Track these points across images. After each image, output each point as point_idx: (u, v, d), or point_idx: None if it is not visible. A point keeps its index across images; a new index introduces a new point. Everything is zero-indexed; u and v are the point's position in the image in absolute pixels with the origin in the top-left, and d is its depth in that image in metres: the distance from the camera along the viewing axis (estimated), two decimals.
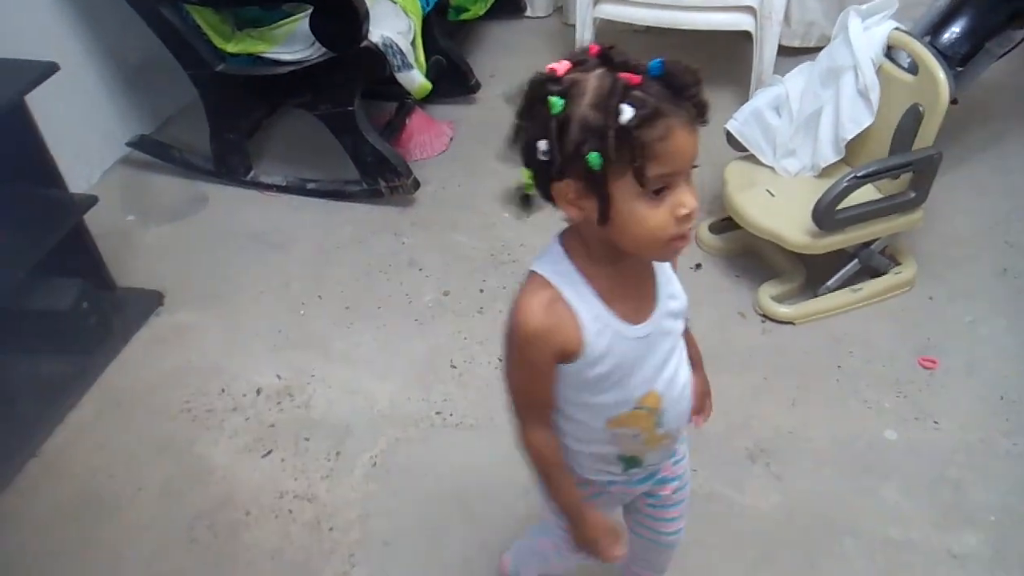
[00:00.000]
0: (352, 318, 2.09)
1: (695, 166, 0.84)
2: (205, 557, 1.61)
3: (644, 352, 0.96)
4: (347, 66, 2.22)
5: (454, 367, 1.95)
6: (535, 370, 0.95)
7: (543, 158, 0.83)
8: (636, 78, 0.80)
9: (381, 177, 2.38)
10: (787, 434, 1.76)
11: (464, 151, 2.63)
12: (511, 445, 1.75)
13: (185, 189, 2.53)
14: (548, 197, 0.89)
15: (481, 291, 2.14)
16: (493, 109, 2.80)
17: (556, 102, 0.81)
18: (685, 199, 0.83)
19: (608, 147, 0.79)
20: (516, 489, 1.69)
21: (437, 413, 1.85)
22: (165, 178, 2.57)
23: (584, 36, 2.72)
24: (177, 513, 1.69)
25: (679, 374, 1.03)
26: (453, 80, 2.79)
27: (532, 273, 0.94)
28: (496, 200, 2.42)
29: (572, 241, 0.94)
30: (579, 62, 0.84)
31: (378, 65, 2.22)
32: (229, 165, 2.51)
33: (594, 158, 0.79)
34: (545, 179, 0.86)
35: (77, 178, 2.08)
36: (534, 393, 0.98)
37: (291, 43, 2.25)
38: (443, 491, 1.70)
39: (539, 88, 0.83)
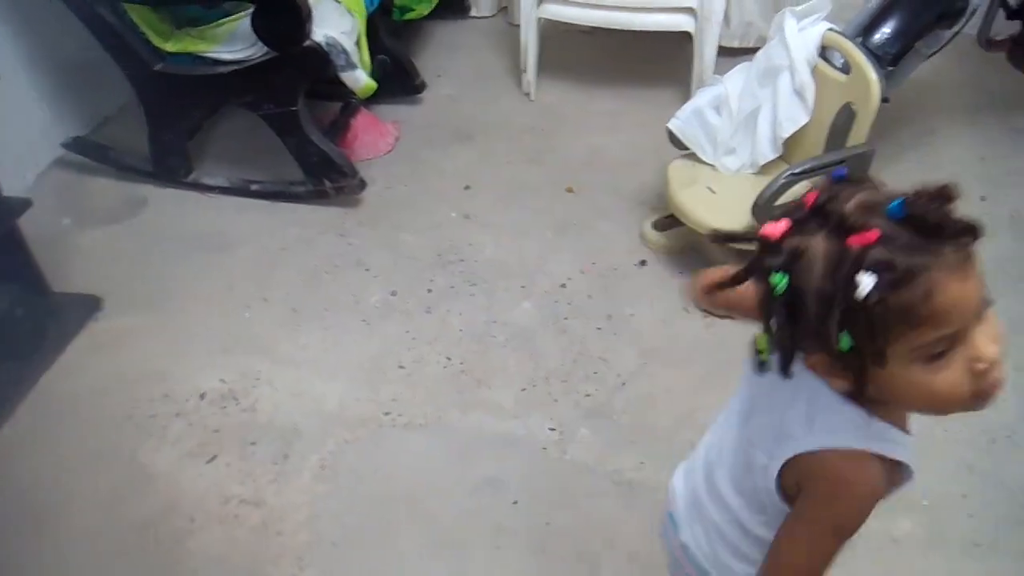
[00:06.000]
0: (298, 320, 2.07)
1: (988, 304, 0.70)
2: (149, 566, 1.58)
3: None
4: (290, 66, 2.19)
5: (402, 367, 1.94)
6: (848, 535, 0.81)
7: (774, 333, 0.73)
8: (871, 235, 0.66)
9: (326, 177, 2.36)
10: None
11: (410, 151, 2.62)
12: (461, 443, 1.77)
13: (123, 191, 2.47)
14: (783, 367, 0.76)
15: (429, 291, 2.14)
16: (439, 109, 2.80)
17: (779, 281, 0.69)
18: (982, 350, 0.69)
19: (857, 325, 0.66)
20: (466, 487, 1.70)
21: (386, 414, 1.84)
22: (102, 180, 2.50)
23: (528, 36, 2.73)
24: (119, 522, 1.65)
25: None
26: (398, 80, 2.78)
27: (835, 453, 0.78)
28: (442, 200, 2.42)
29: (864, 397, 0.77)
30: (798, 221, 0.71)
31: (322, 65, 2.20)
32: (169, 167, 2.46)
33: (844, 341, 0.67)
34: (788, 351, 0.74)
35: (10, 181, 2.02)
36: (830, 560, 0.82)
37: (232, 42, 2.22)
38: (393, 491, 1.70)
39: (757, 261, 0.72)
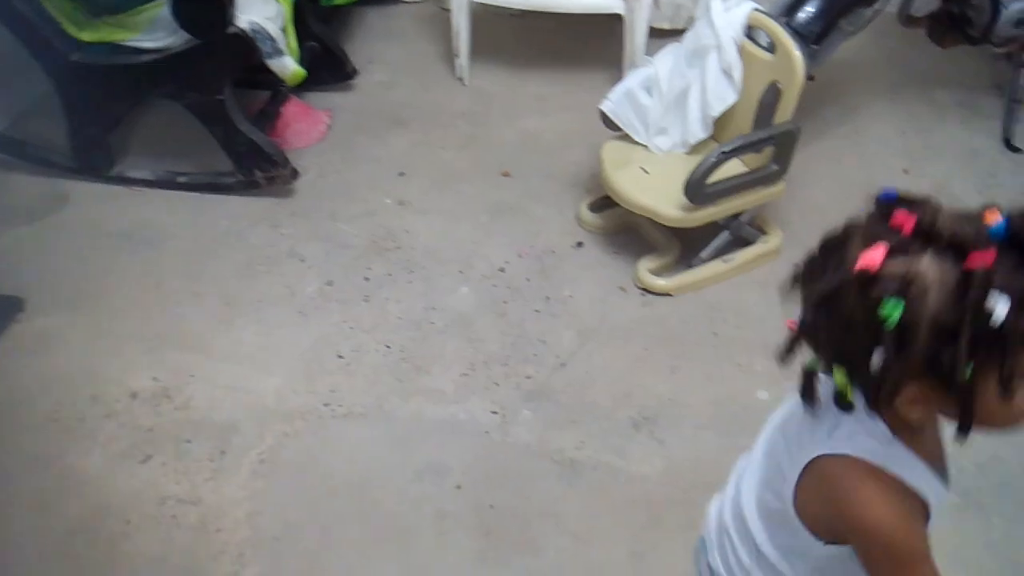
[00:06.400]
0: (232, 314, 2.02)
1: None
2: (83, 569, 1.54)
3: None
4: (214, 53, 2.14)
5: (341, 357, 1.92)
6: (924, 554, 0.79)
7: (877, 368, 0.68)
8: (990, 255, 0.63)
9: (256, 167, 2.30)
10: (668, 401, 1.83)
11: (342, 139, 2.58)
12: (403, 431, 1.76)
13: (43, 188, 2.37)
14: (875, 401, 0.73)
15: (366, 279, 2.11)
16: (371, 96, 2.77)
17: (892, 311, 0.64)
18: None
19: (980, 351, 0.64)
20: (408, 474, 1.69)
21: (325, 404, 1.82)
22: (21, 177, 2.40)
23: (460, 21, 2.71)
24: (50, 527, 1.60)
25: None
26: (329, 67, 2.73)
27: (850, 459, 0.77)
28: (377, 187, 2.40)
29: (892, 414, 0.75)
30: (897, 246, 0.67)
31: (247, 52, 2.15)
32: (91, 161, 2.37)
33: (966, 370, 0.65)
34: (877, 387, 0.70)
35: None
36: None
37: (152, 30, 2.15)
38: (335, 482, 1.68)
39: (858, 294, 0.67)
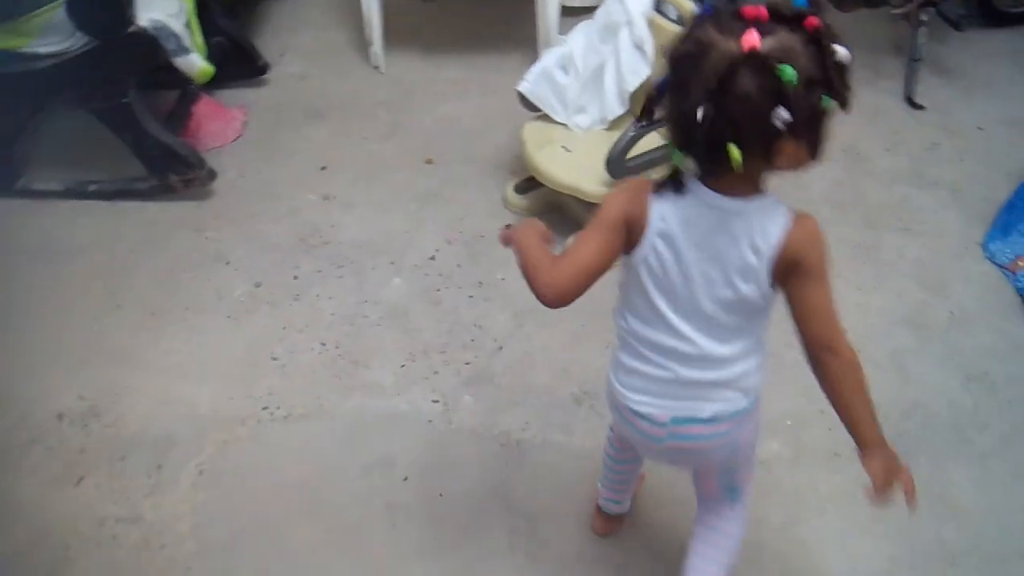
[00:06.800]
0: (158, 324, 1.97)
1: None
2: None
3: None
4: (115, 54, 2.06)
5: (275, 359, 1.89)
6: None
7: (780, 125, 0.88)
8: (816, 19, 0.88)
9: (171, 171, 2.23)
10: (606, 374, 1.85)
11: (260, 136, 2.53)
12: (346, 428, 1.74)
13: None
14: (771, 161, 0.94)
15: (295, 278, 2.08)
16: (286, 89, 2.71)
17: (790, 73, 0.86)
18: None
19: (836, 87, 0.90)
20: (355, 470, 1.68)
21: (264, 408, 1.79)
22: None
23: (371, 8, 2.67)
24: None
25: None
26: (239, 62, 2.66)
27: (793, 210, 1.03)
28: (300, 183, 2.35)
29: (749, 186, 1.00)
30: (763, 29, 0.87)
31: (150, 51, 2.08)
32: None
33: (828, 102, 0.90)
34: (766, 145, 0.92)
35: None
36: None
37: (49, 34, 2.05)
38: (280, 485, 1.66)
39: (751, 71, 0.87)
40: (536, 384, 1.85)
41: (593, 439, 1.73)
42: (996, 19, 2.87)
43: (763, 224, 1.00)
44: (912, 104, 2.62)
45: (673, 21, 2.02)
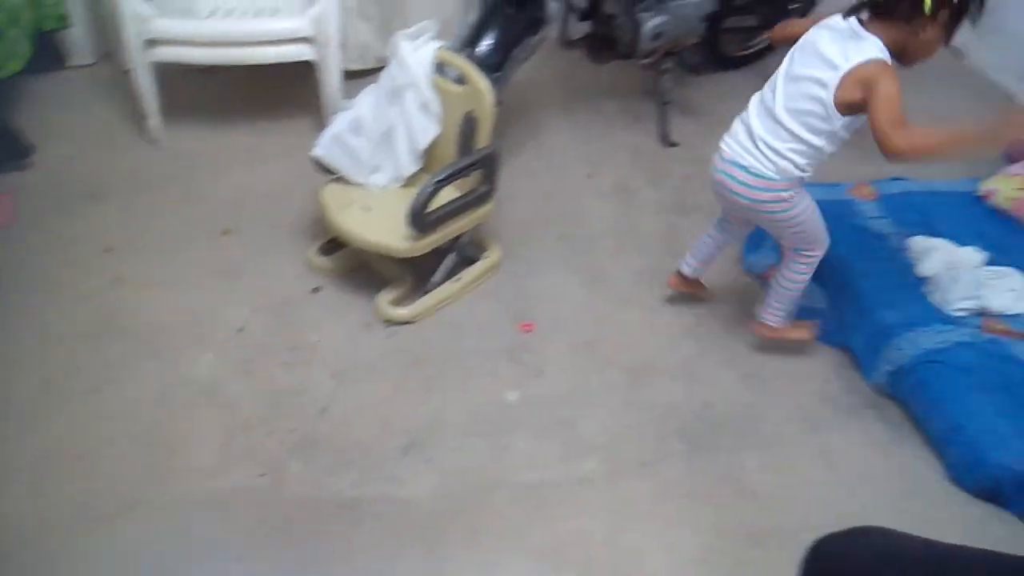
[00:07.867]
0: None
1: None
2: None
3: None
4: None
5: (80, 459, 1.76)
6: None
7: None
8: None
9: None
10: (429, 421, 1.92)
11: (33, 222, 2.36)
12: (170, 518, 1.66)
13: None
14: (917, 28, 1.59)
15: (92, 370, 1.96)
16: (56, 172, 2.56)
17: None
18: None
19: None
20: (188, 563, 1.61)
21: (70, 518, 1.66)
22: None
23: (143, 81, 2.59)
24: None
25: None
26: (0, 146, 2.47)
27: (879, 60, 1.60)
28: (85, 268, 2.22)
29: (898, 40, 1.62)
30: None
31: None
32: None
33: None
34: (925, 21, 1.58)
35: None
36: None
37: None
38: None
39: None
40: (362, 441, 1.87)
41: (422, 487, 1.77)
42: (724, 64, 3.31)
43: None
44: (667, 142, 2.94)
45: (455, 81, 2.16)
